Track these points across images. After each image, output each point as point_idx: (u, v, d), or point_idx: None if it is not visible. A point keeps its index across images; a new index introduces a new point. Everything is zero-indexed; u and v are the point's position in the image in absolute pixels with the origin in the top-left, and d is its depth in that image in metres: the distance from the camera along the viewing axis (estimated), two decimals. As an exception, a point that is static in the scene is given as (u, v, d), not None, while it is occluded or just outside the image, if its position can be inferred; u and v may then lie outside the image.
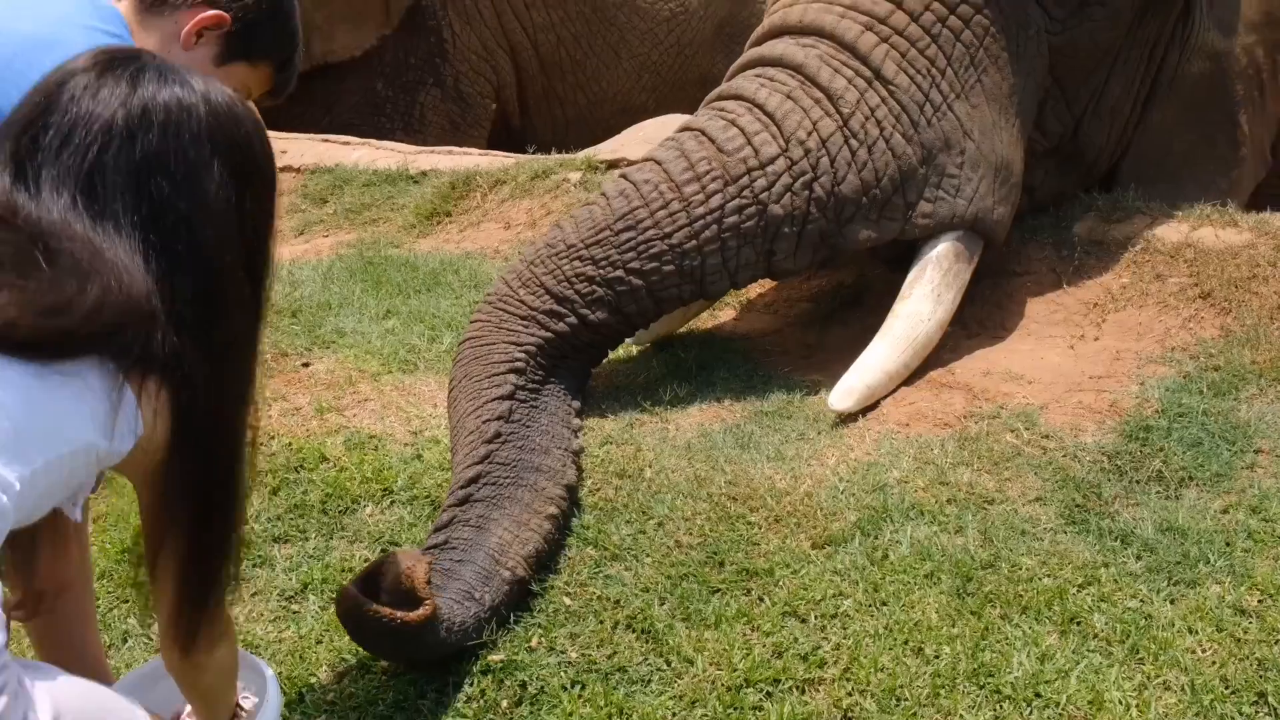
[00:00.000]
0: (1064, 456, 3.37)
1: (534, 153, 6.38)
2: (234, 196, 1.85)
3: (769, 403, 3.73)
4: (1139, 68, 4.49)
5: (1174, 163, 4.69)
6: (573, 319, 3.51)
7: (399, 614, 2.53)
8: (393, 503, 3.34)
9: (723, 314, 4.50)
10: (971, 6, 3.90)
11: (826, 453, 3.45)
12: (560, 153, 6.15)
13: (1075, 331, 4.12)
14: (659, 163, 3.72)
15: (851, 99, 3.77)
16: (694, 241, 3.61)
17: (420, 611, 2.54)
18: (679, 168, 3.67)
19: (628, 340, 3.95)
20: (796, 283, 4.65)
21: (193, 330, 1.79)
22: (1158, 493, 3.21)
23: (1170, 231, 4.38)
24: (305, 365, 4.14)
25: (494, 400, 3.24)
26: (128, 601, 3.04)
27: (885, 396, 3.69)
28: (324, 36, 7.32)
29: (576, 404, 3.51)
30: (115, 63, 1.81)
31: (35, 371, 1.64)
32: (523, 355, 3.38)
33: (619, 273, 3.57)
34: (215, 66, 2.20)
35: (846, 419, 3.61)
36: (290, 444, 3.58)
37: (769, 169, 3.68)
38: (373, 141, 6.95)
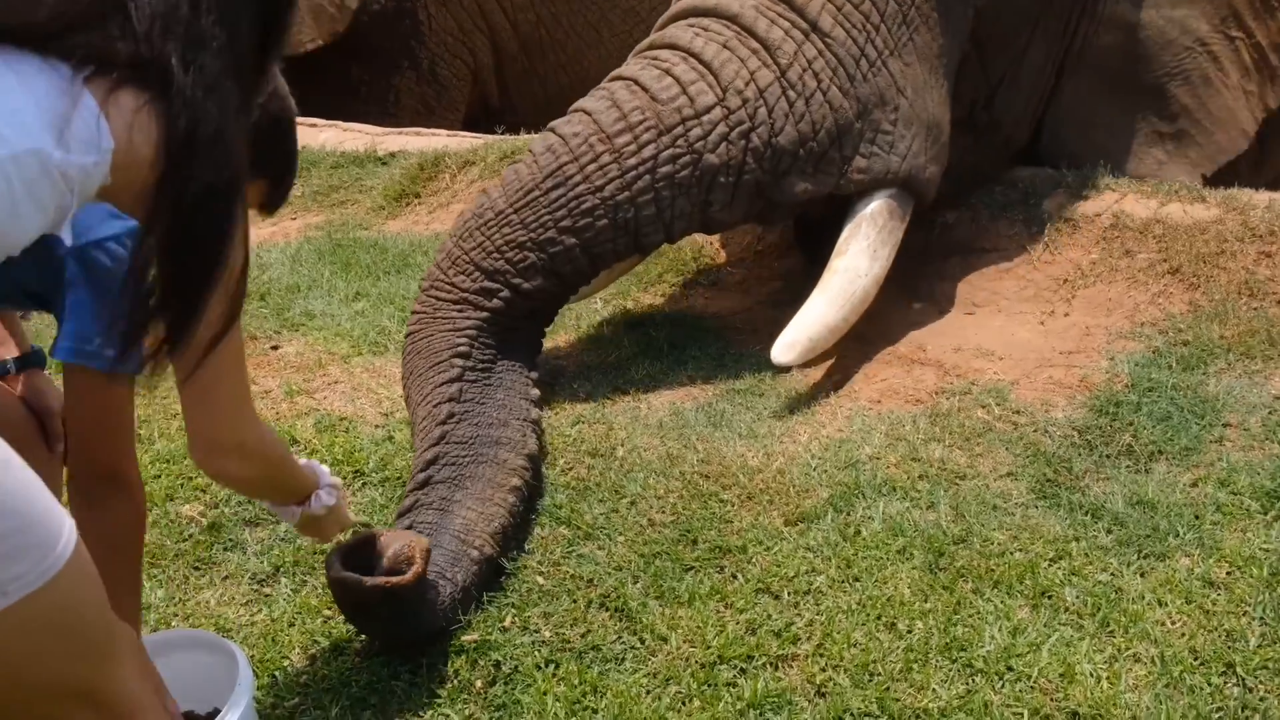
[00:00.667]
0: (1035, 432, 3.38)
1: (503, 133, 6.35)
2: None
3: (741, 381, 3.74)
4: (1056, 39, 4.47)
5: (1100, 135, 4.67)
6: (507, 293, 3.44)
7: (393, 579, 2.53)
8: (364, 484, 3.32)
9: (694, 293, 4.49)
10: None
11: (799, 430, 3.45)
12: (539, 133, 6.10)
13: (1045, 307, 4.14)
14: (589, 113, 3.63)
15: (789, 50, 3.71)
16: (627, 193, 3.54)
17: (415, 570, 2.55)
18: (610, 118, 3.58)
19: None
20: (768, 262, 4.65)
21: (190, 47, 1.69)
22: (1128, 467, 3.22)
23: (1139, 207, 4.40)
24: (274, 348, 4.11)
25: (442, 385, 3.21)
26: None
27: (824, 350, 3.69)
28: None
29: (533, 374, 3.47)
30: None
31: None
32: (464, 340, 3.33)
33: (550, 233, 3.49)
34: (260, 215, 2.22)
35: (818, 396, 3.61)
36: (260, 427, 3.56)
37: (704, 118, 3.61)
38: (340, 123, 6.91)
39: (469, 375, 3.26)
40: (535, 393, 3.39)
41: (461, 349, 3.30)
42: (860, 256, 3.78)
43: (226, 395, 2.10)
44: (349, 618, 2.72)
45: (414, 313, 3.48)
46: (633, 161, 3.54)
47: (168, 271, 1.76)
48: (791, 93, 3.69)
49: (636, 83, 3.67)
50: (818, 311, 3.69)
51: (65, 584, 1.67)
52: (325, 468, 2.48)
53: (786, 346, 3.59)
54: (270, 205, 2.45)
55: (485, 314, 3.40)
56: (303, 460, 2.42)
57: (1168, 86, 4.65)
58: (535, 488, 3.14)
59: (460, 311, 3.40)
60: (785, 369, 3.61)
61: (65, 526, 1.68)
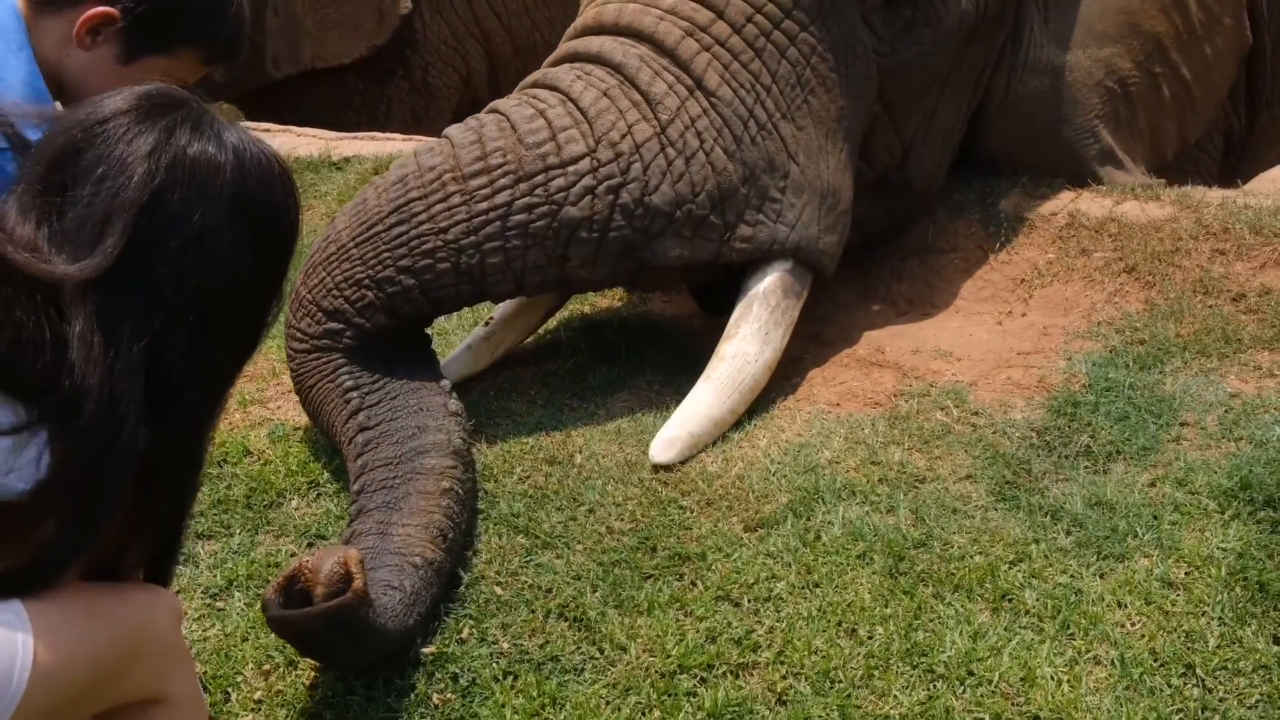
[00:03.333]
0: (993, 433, 3.38)
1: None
2: (249, 266, 1.88)
3: (699, 385, 3.71)
4: (967, 92, 4.35)
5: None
6: (351, 332, 3.29)
7: (333, 602, 2.43)
8: (319, 495, 3.28)
9: (652, 296, 4.46)
10: (796, 23, 3.67)
11: (757, 434, 3.43)
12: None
13: (1003, 308, 4.14)
14: (452, 144, 3.46)
15: (672, 105, 3.53)
16: (473, 238, 3.34)
17: (355, 587, 2.44)
18: (469, 156, 3.40)
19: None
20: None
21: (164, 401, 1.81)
22: (1086, 467, 3.23)
23: (1094, 206, 4.41)
24: (227, 357, 4.06)
25: (347, 421, 3.16)
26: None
27: (710, 444, 3.42)
28: (315, 41, 7.29)
29: (436, 367, 3.42)
30: (155, 109, 1.79)
31: None
32: (345, 376, 3.23)
33: (389, 271, 3.31)
34: (122, 65, 2.06)
35: (776, 400, 3.60)
36: (213, 438, 3.51)
37: (570, 169, 3.41)
38: (294, 129, 6.82)
39: (369, 399, 3.18)
40: (446, 383, 3.32)
41: (346, 384, 3.21)
42: (750, 341, 3.58)
43: None
44: (304, 653, 2.65)
45: (289, 362, 3.38)
46: (483, 206, 3.35)
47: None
48: (671, 150, 3.50)
49: (508, 119, 3.49)
50: (703, 403, 3.46)
51: (41, 693, 1.76)
52: None
53: (666, 444, 3.34)
54: (224, 68, 2.29)
55: (340, 351, 3.27)
56: None
57: (1098, 129, 4.60)
58: (471, 481, 3.10)
59: (320, 359, 3.27)
60: (665, 468, 3.34)
61: (17, 652, 1.75)
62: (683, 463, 3.32)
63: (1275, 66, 5.48)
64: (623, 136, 3.47)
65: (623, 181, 3.44)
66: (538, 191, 3.38)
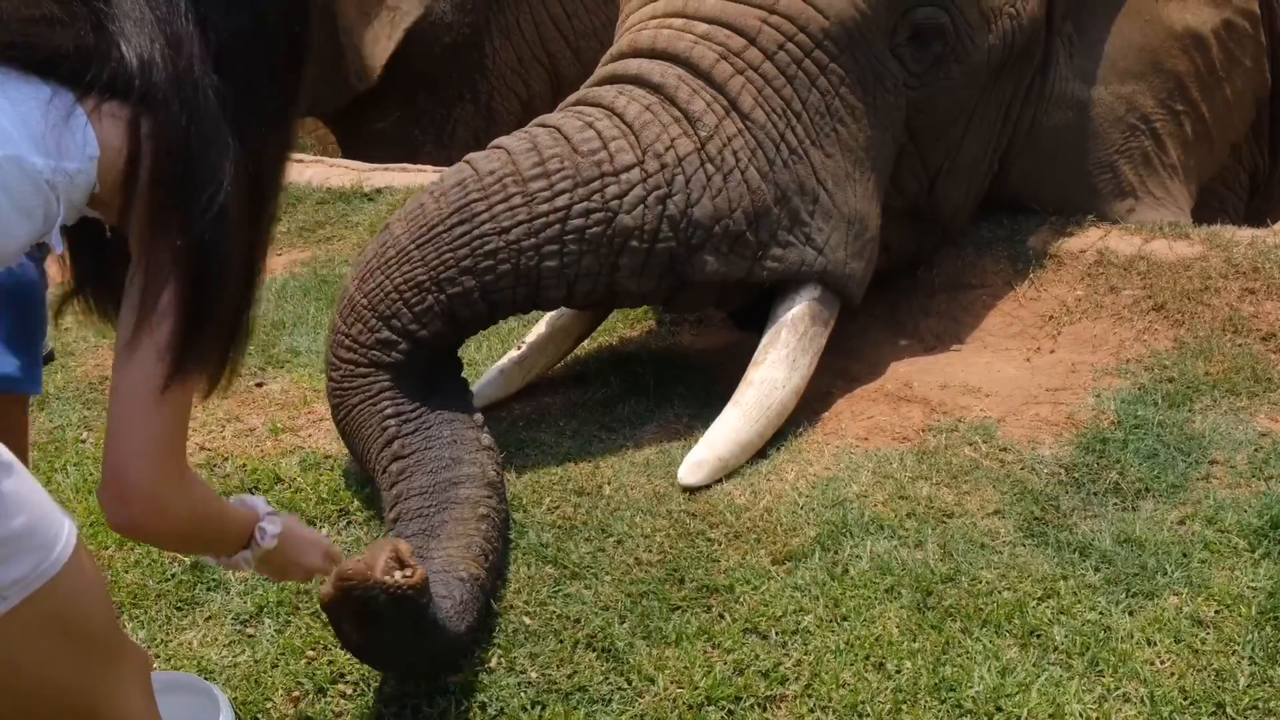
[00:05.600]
0: (1022, 469, 3.38)
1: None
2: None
3: (727, 418, 3.72)
4: (995, 125, 4.37)
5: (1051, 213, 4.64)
6: (404, 344, 3.30)
7: (396, 578, 2.36)
8: (349, 523, 3.30)
9: (681, 330, 4.48)
10: (826, 54, 3.73)
11: (785, 468, 3.44)
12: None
13: (1031, 344, 4.14)
14: (508, 152, 3.48)
15: (710, 122, 3.60)
16: (533, 240, 3.38)
17: (416, 574, 2.38)
18: (528, 161, 3.44)
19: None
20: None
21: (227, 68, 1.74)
22: (1115, 504, 3.22)
23: (1124, 244, 4.41)
24: (259, 385, 4.09)
25: (382, 449, 3.16)
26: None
27: (737, 468, 3.44)
28: (393, 43, 7.50)
29: (470, 402, 3.43)
30: None
31: None
32: (385, 402, 3.23)
33: (450, 272, 3.34)
34: None
35: (804, 434, 3.60)
36: (244, 465, 3.54)
37: (623, 177, 3.47)
38: (326, 159, 6.91)
39: (405, 429, 3.18)
40: (479, 418, 3.33)
41: (386, 411, 3.22)
42: (778, 367, 3.63)
43: (157, 428, 1.74)
44: (359, 645, 2.53)
45: (328, 378, 3.37)
46: (544, 208, 3.40)
47: (159, 283, 1.70)
48: (710, 166, 3.56)
49: (559, 131, 3.54)
50: (731, 427, 3.50)
51: (64, 586, 1.70)
52: (260, 498, 2.18)
53: (694, 466, 3.38)
54: None
55: (391, 370, 3.28)
56: (233, 498, 2.11)
57: (1118, 164, 4.62)
58: (505, 512, 3.11)
59: (367, 377, 3.28)
60: (692, 489, 3.36)
61: (65, 527, 1.71)
62: (708, 486, 3.34)
63: None
64: (666, 149, 3.54)
65: (668, 192, 3.51)
66: (595, 197, 3.44)
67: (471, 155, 3.56)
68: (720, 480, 3.37)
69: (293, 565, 2.21)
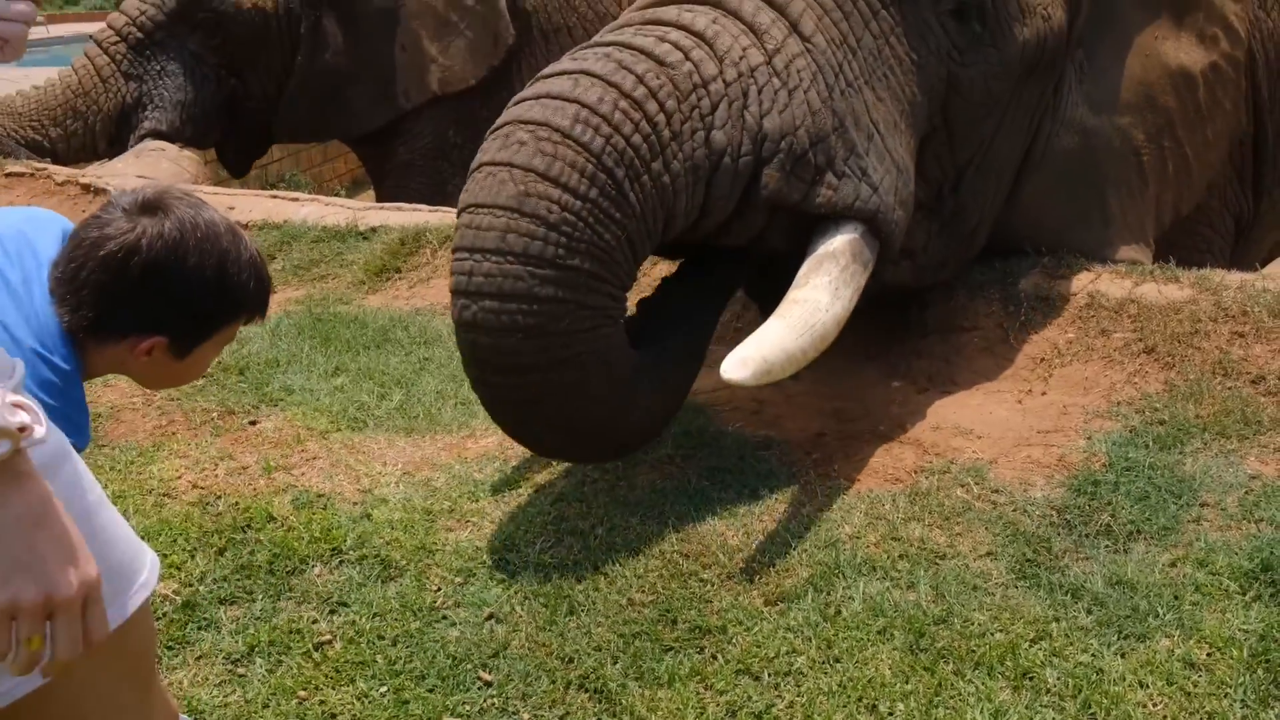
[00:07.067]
0: (1014, 511, 3.39)
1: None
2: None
3: (721, 459, 3.73)
4: (1020, 133, 4.41)
5: (1048, 237, 4.64)
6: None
7: None
8: (341, 562, 3.30)
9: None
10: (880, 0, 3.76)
11: (778, 508, 3.45)
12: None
13: (1023, 386, 4.16)
14: (599, 77, 3.26)
15: (777, 36, 3.51)
16: (666, 175, 3.25)
17: None
18: (628, 82, 3.24)
19: None
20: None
21: None
22: (1106, 546, 3.23)
23: (1114, 287, 4.44)
24: (253, 423, 4.10)
25: None
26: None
27: (781, 378, 3.32)
28: (441, 69, 7.94)
29: None
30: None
31: None
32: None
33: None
34: (179, 361, 2.16)
35: (797, 475, 3.61)
36: (237, 503, 3.54)
37: (710, 88, 3.34)
38: (321, 198, 6.94)
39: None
40: None
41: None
42: (821, 291, 3.46)
43: None
44: None
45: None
46: (666, 135, 3.24)
47: None
48: (777, 80, 3.45)
49: (630, 47, 3.34)
50: (776, 334, 3.32)
51: (142, 614, 1.79)
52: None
53: (739, 362, 3.18)
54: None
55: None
56: None
57: (1107, 193, 4.66)
58: (513, 564, 3.12)
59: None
60: (739, 386, 3.25)
61: (148, 558, 1.80)
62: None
63: (1278, 153, 5.56)
64: (740, 58, 3.44)
65: (744, 104, 3.41)
66: (694, 114, 3.32)
67: (556, 83, 3.31)
68: (711, 518, 3.37)
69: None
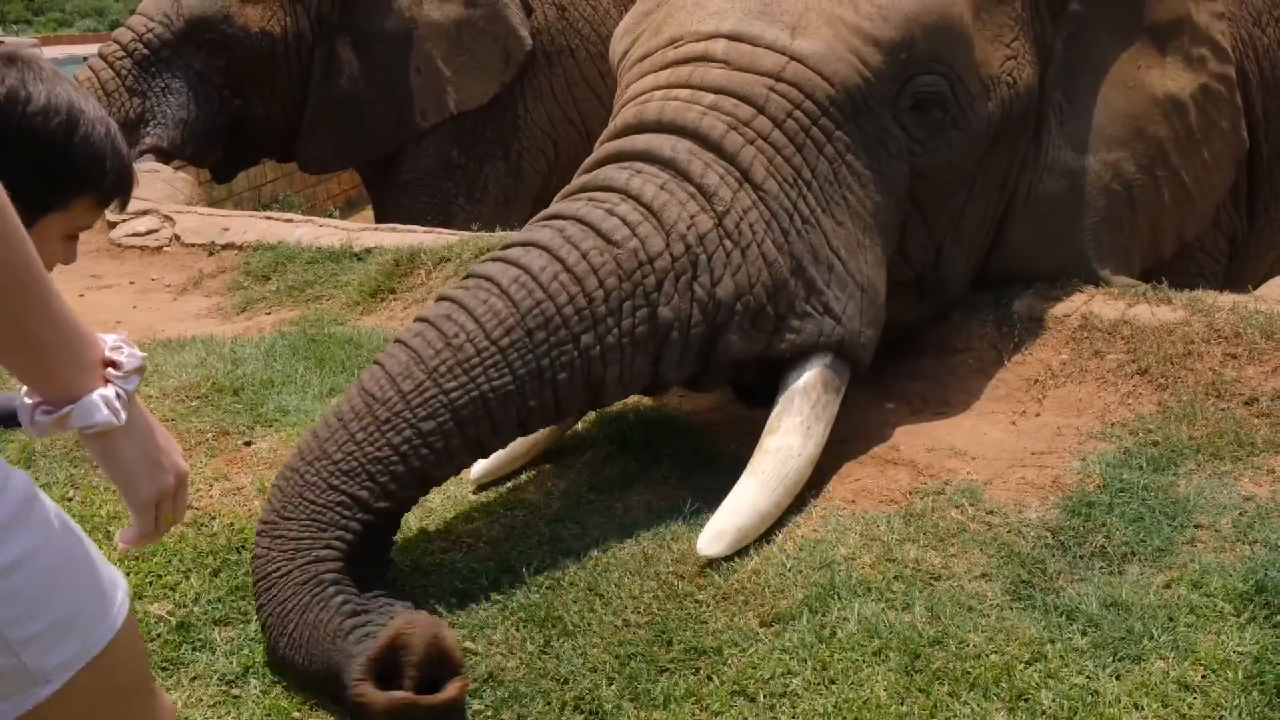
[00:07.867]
0: (1008, 532, 3.39)
1: (478, 230, 6.40)
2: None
3: (716, 480, 3.73)
4: (994, 192, 4.40)
5: (1043, 279, 4.67)
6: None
7: (442, 695, 2.64)
8: (336, 583, 3.29)
9: (669, 391, 4.49)
10: (833, 121, 3.75)
11: (773, 530, 3.45)
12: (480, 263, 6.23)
13: (1017, 407, 4.17)
14: (545, 249, 3.36)
15: (725, 196, 3.54)
16: (598, 348, 3.33)
17: (457, 684, 2.66)
18: (571, 257, 3.34)
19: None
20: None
21: None
22: (1101, 568, 3.23)
23: (1107, 309, 4.46)
24: (247, 444, 4.09)
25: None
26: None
27: (756, 539, 3.38)
28: (456, 89, 8.06)
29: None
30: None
31: None
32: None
33: (538, 369, 3.25)
34: (28, 229, 2.12)
35: (797, 497, 3.61)
36: (232, 524, 3.53)
37: (656, 264, 3.41)
38: (316, 219, 6.97)
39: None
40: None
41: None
42: (793, 435, 3.57)
43: None
44: None
45: None
46: (601, 311, 3.33)
47: None
48: (729, 241, 3.52)
49: (583, 221, 3.43)
50: (749, 497, 3.42)
51: (130, 625, 1.77)
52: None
53: (715, 536, 3.29)
54: (118, 205, 2.27)
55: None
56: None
57: (1100, 229, 4.66)
58: (509, 585, 3.11)
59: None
60: (713, 560, 3.31)
61: (120, 589, 1.77)
62: (728, 559, 3.30)
63: (1273, 171, 5.59)
64: (688, 228, 3.48)
65: (694, 275, 3.46)
66: (638, 292, 3.39)
67: (504, 252, 3.43)
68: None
69: (145, 464, 1.71)
